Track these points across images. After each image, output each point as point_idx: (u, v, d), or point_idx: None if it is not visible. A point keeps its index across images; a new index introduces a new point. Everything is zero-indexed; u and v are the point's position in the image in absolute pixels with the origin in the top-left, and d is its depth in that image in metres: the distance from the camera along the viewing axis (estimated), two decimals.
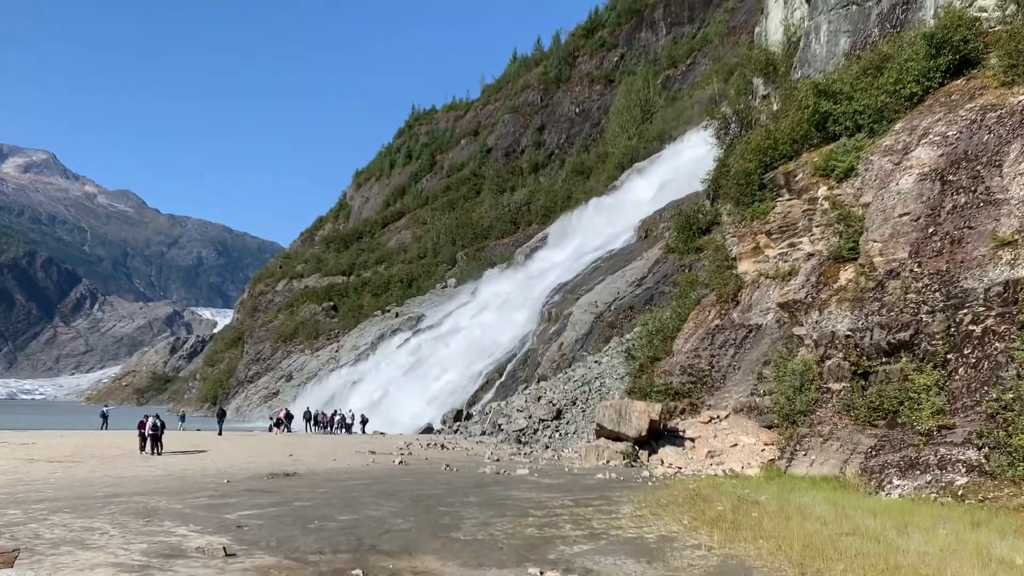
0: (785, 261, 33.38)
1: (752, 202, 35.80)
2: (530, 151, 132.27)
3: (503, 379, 58.56)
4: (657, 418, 29.02)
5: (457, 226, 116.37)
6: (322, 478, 20.82)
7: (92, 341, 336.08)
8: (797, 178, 33.57)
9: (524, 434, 39.01)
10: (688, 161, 71.71)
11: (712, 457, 28.26)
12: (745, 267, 35.90)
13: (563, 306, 58.37)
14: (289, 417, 48.83)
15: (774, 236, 34.27)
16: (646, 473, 23.57)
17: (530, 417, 40.54)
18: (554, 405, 40.54)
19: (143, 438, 29.10)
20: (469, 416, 51.62)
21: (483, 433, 42.78)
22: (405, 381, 68.86)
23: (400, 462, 25.95)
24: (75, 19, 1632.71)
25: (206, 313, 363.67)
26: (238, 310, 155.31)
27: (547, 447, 35.75)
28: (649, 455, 28.71)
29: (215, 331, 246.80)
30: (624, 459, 27.54)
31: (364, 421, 52.02)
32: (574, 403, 40.46)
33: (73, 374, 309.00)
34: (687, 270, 47.75)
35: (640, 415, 28.64)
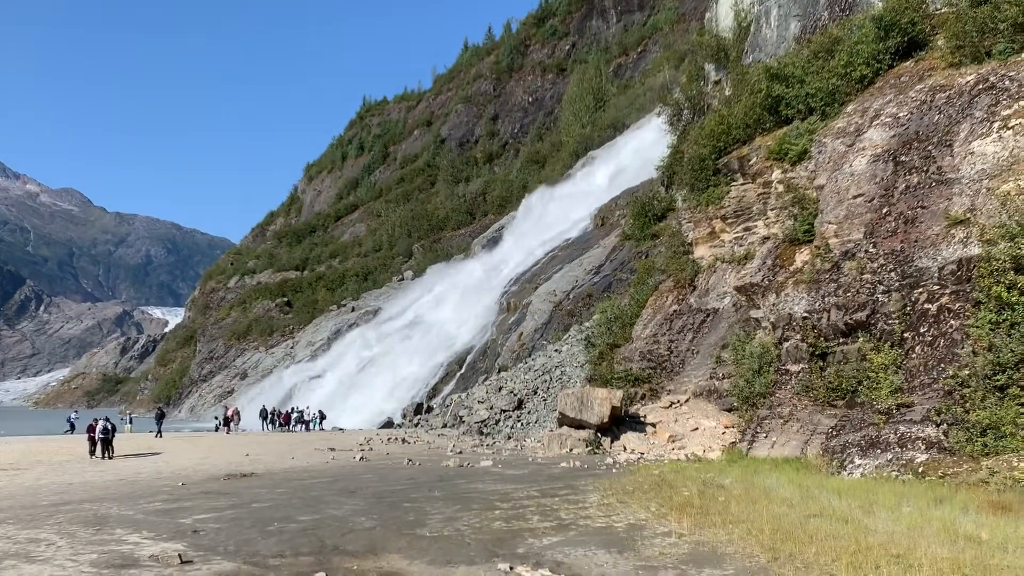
0: (741, 245, 33.57)
1: (707, 187, 35.90)
2: (484, 141, 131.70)
3: (463, 371, 58.25)
4: (619, 404, 28.96)
5: (412, 218, 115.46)
6: (281, 477, 20.26)
7: (39, 344, 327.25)
8: (751, 162, 33.72)
9: (486, 425, 38.78)
10: (642, 148, 71.95)
11: (674, 442, 28.30)
12: (701, 252, 36.03)
13: (522, 296, 58.20)
14: (236, 415, 47.75)
15: (729, 220, 34.41)
16: (610, 460, 23.46)
17: (491, 408, 40.31)
18: (515, 395, 40.35)
19: (93, 442, 28.15)
20: (430, 409, 51.21)
21: (444, 426, 42.46)
22: (364, 376, 68.14)
23: (361, 458, 25.46)
24: (12, 29, 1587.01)
25: (157, 312, 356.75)
26: (189, 308, 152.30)
27: (509, 437, 35.56)
28: (612, 442, 28.66)
29: (166, 330, 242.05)
30: (587, 447, 27.43)
31: (322, 417, 51.27)
32: (535, 392, 40.31)
33: (19, 378, 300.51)
34: (644, 257, 47.85)
35: (602, 402, 28.56)
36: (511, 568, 9.81)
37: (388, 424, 51.02)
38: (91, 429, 28.47)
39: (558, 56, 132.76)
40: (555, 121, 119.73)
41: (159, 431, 39.64)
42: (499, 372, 47.91)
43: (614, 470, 20.68)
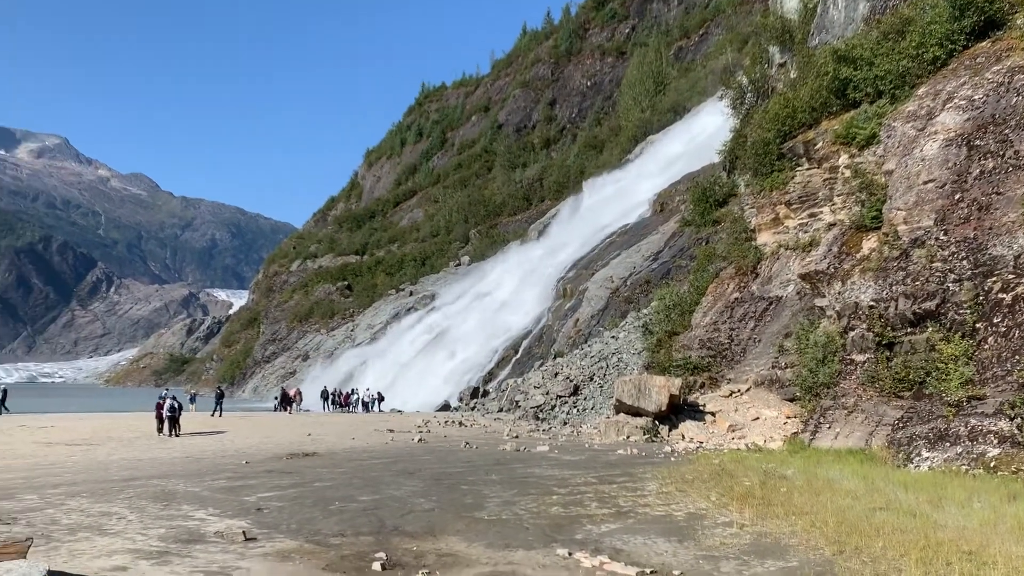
0: (805, 231, 32.84)
1: (771, 172, 35.18)
2: (541, 126, 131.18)
3: (519, 356, 58.39)
4: (677, 392, 28.70)
5: (469, 203, 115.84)
6: (341, 458, 20.62)
7: (109, 324, 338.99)
8: (817, 147, 32.88)
9: (542, 410, 38.84)
10: (703, 133, 70.85)
11: (734, 431, 27.94)
12: (764, 238, 35.35)
13: (578, 282, 57.99)
14: (298, 395, 48.75)
15: (794, 206, 33.66)
16: (667, 448, 23.27)
17: (547, 393, 40.34)
18: (571, 381, 40.29)
19: (160, 419, 29.03)
20: (486, 393, 51.51)
21: (500, 410, 42.66)
22: (421, 359, 68.84)
23: (419, 440, 25.77)
24: (83, 3, 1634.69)
25: (221, 294, 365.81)
26: (253, 291, 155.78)
27: (565, 423, 35.56)
28: (670, 430, 28.42)
29: (231, 312, 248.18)
30: (644, 434, 27.26)
31: (380, 399, 52.00)
32: (591, 379, 40.19)
33: (91, 357, 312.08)
34: (704, 243, 47.19)
35: (660, 390, 28.32)
36: (570, 554, 9.80)
37: (445, 407, 51.50)
38: (159, 407, 29.36)
39: (617, 39, 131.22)
40: (614, 105, 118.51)
41: (219, 410, 40.71)
42: (555, 358, 47.88)
43: (672, 458, 20.51)
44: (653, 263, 51.11)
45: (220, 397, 43.58)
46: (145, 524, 11.79)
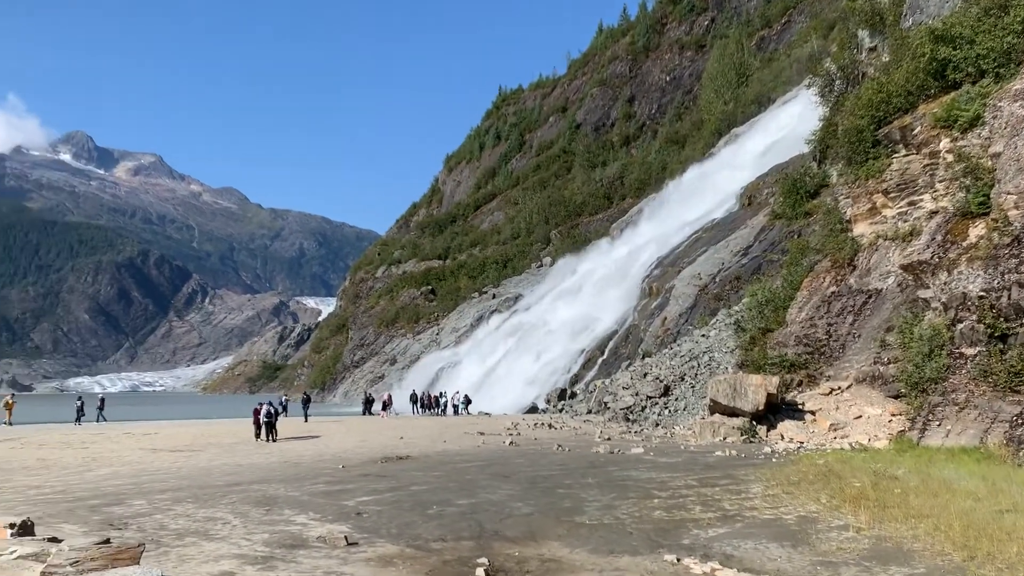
0: (905, 221, 31.45)
1: (865, 160, 33.85)
2: (620, 124, 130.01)
3: (605, 356, 57.82)
4: (775, 391, 27.83)
5: (549, 204, 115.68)
6: (435, 461, 20.70)
7: (205, 333, 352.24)
8: (915, 132, 31.44)
9: (632, 412, 38.30)
10: (789, 123, 68.89)
11: (835, 430, 26.90)
12: (861, 229, 34.02)
13: (664, 280, 57.05)
14: (390, 400, 49.63)
15: (892, 195, 32.28)
16: (767, 449, 22.53)
17: (637, 394, 39.76)
18: (661, 381, 39.60)
19: (258, 425, 29.78)
20: (573, 395, 51.19)
21: (589, 412, 42.29)
22: (506, 361, 68.96)
23: (510, 443, 25.70)
24: (176, 36, 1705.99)
25: (310, 302, 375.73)
26: (340, 298, 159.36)
27: (657, 424, 34.96)
28: (767, 430, 27.57)
29: (319, 319, 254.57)
30: (742, 435, 26.52)
31: (468, 402, 52.30)
32: (682, 379, 39.42)
33: (189, 366, 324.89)
34: (796, 236, 45.75)
35: (756, 389, 27.51)
36: (678, 560, 9.47)
37: (532, 409, 51.41)
38: (256, 413, 30.13)
39: (696, 33, 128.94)
40: (694, 100, 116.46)
41: (306, 415, 41.71)
42: (643, 358, 47.19)
43: (774, 459, 19.83)
44: (743, 258, 49.80)
45: (307, 402, 44.71)
46: (249, 529, 11.99)
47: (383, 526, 12.06)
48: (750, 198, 59.87)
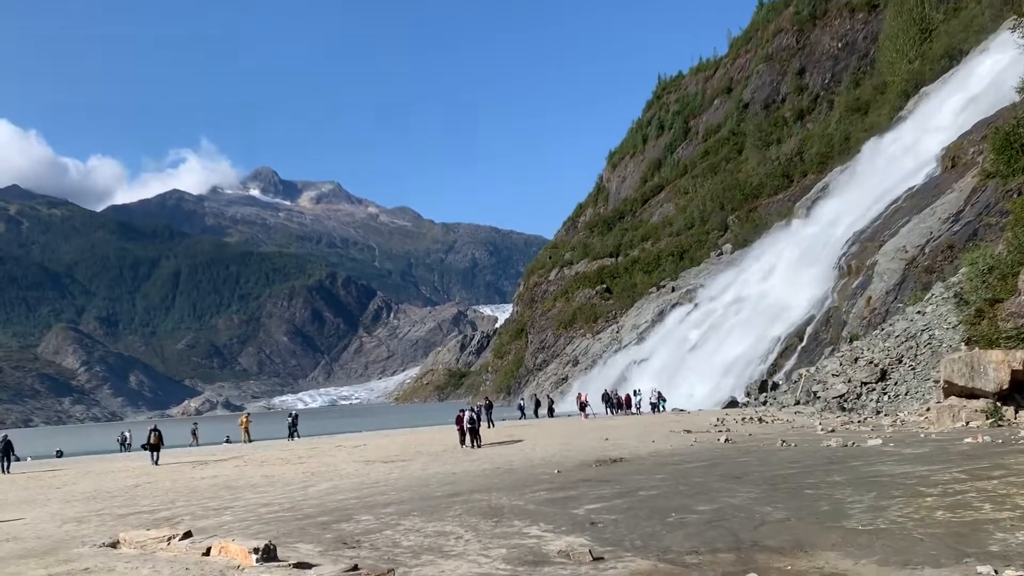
0: None
1: None
2: (791, 98, 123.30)
3: (804, 343, 54.49)
4: (1020, 368, 24.59)
5: (723, 190, 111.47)
6: (652, 462, 19.64)
7: (392, 347, 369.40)
8: None
9: (846, 400, 35.48)
10: (990, 74, 62.33)
11: None
12: None
13: (863, 256, 52.95)
14: (584, 400, 49.15)
15: None
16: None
17: (849, 381, 36.82)
18: (876, 365, 36.42)
19: (462, 432, 29.92)
20: (775, 385, 48.44)
21: (797, 403, 39.70)
22: (694, 355, 66.72)
23: (725, 440, 24.17)
24: (338, 67, 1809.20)
25: (486, 310, 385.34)
26: (516, 303, 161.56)
27: (879, 412, 32.09)
28: (1016, 411, 24.37)
29: (496, 326, 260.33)
30: (987, 418, 23.59)
31: (661, 399, 50.76)
32: (900, 361, 36.06)
33: (380, 378, 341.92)
34: (1017, 195, 40.93)
35: (999, 366, 24.40)
36: (996, 572, 7.91)
37: (732, 403, 49.11)
38: (459, 420, 30.29)
39: None
40: (871, 64, 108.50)
41: (490, 421, 41.50)
42: (850, 341, 43.81)
43: None
44: (954, 225, 45.20)
45: (489, 407, 44.64)
46: (484, 544, 11.43)
47: (624, 537, 11.15)
48: (953, 159, 54.45)
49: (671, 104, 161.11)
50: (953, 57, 77.07)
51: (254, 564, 9.69)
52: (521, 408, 57.09)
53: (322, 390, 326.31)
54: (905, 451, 18.08)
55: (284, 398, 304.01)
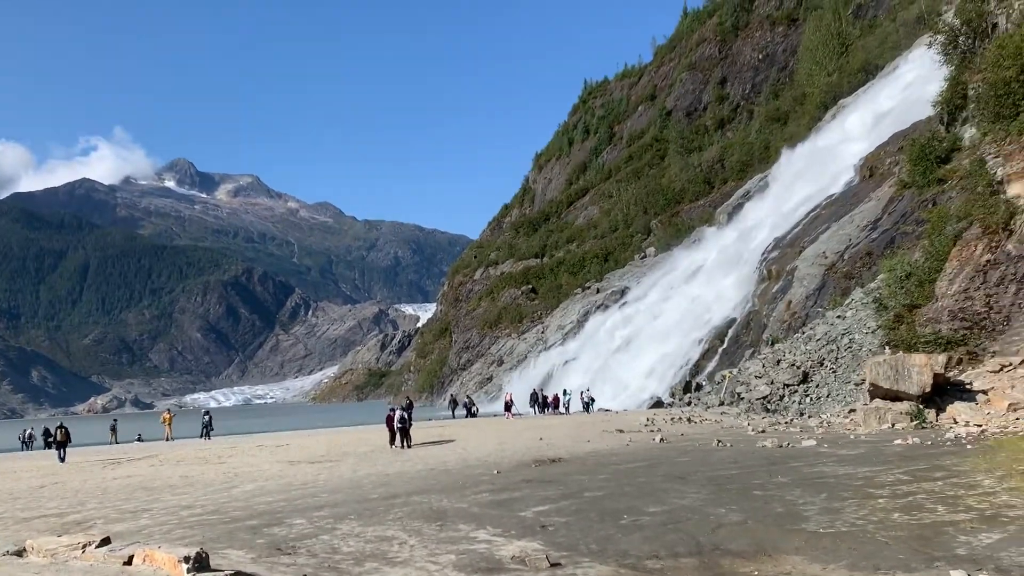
0: None
1: (1017, 114, 31.04)
2: (713, 107, 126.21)
3: (725, 345, 55.57)
4: (942, 371, 25.50)
5: (646, 194, 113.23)
6: (592, 462, 19.49)
7: (310, 345, 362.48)
8: None
9: (769, 401, 36.25)
10: (904, 88, 64.93)
11: (1016, 410, 24.33)
12: (1017, 190, 31.12)
13: (784, 261, 54.37)
14: (512, 401, 49.14)
15: None
16: (950, 435, 20.41)
17: (772, 383, 37.62)
18: (798, 368, 37.34)
19: (393, 432, 29.29)
20: (699, 387, 49.23)
21: (721, 403, 40.40)
22: (619, 356, 67.38)
23: (660, 440, 24.25)
24: (259, 59, 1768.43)
25: (408, 309, 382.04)
26: (440, 302, 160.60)
27: (802, 414, 32.87)
28: (937, 414, 25.24)
29: (418, 325, 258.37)
30: (911, 420, 24.34)
31: (590, 400, 50.93)
32: (821, 364, 37.06)
33: (296, 377, 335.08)
34: (931, 205, 42.64)
35: (922, 369, 25.22)
36: (969, 575, 7.92)
37: (658, 404, 49.67)
38: (390, 420, 29.61)
39: (787, 7, 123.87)
40: (790, 76, 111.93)
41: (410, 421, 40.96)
42: (771, 344, 44.85)
43: (968, 446, 17.81)
44: (872, 232, 46.79)
45: (410, 407, 43.98)
46: (431, 550, 10.95)
47: (579, 541, 10.88)
48: (871, 169, 56.46)
49: (597, 109, 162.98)
50: (869, 71, 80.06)
51: (185, 575, 8.83)
52: (453, 405, 56.45)
53: (236, 388, 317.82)
54: (841, 452, 18.42)
55: (196, 396, 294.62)
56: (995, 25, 46.43)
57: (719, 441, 22.20)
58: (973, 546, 8.98)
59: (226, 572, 9.01)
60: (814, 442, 20.46)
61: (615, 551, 10.17)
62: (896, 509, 11.19)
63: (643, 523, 11.64)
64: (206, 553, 9.14)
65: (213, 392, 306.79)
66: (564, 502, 13.97)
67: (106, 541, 10.11)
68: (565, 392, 51.63)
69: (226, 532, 13.22)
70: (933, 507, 11.10)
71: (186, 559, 8.62)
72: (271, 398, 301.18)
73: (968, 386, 26.91)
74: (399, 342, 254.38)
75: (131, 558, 9.22)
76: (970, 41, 48.10)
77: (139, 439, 51.77)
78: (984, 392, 26.21)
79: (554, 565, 9.65)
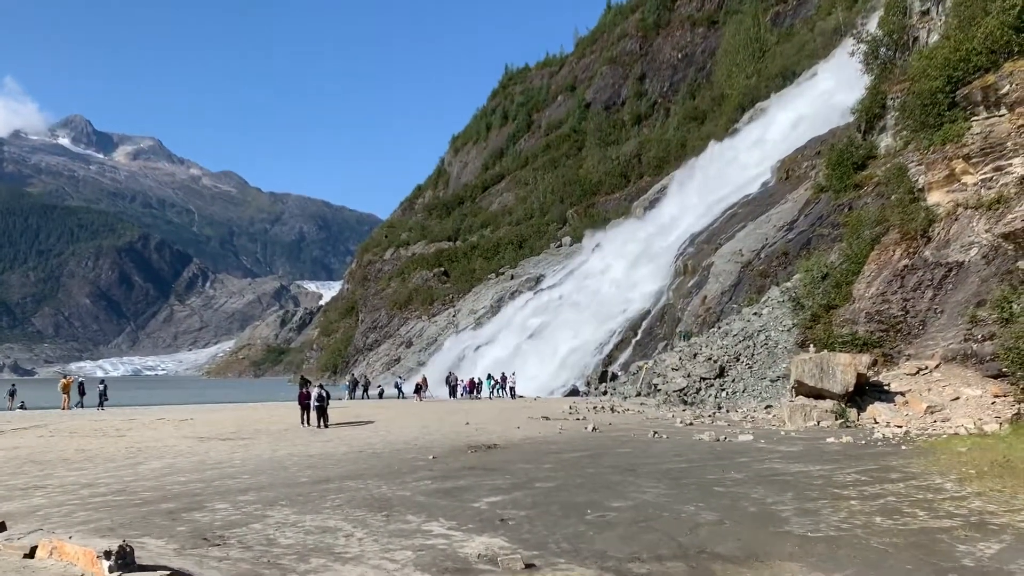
0: (990, 188, 29.47)
1: (940, 124, 31.78)
2: (631, 102, 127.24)
3: (639, 337, 55.84)
4: (865, 371, 25.92)
5: (563, 184, 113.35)
6: (530, 450, 18.63)
7: (206, 317, 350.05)
8: (1002, 92, 29.36)
9: (686, 394, 36.35)
10: (822, 95, 66.65)
11: (932, 413, 24.89)
12: (937, 198, 31.94)
13: (700, 257, 54.93)
14: (425, 383, 47.98)
15: (974, 160, 30.24)
16: (878, 435, 20.59)
17: (688, 376, 37.78)
18: (715, 362, 37.59)
19: (305, 409, 27.78)
20: (615, 376, 49.17)
21: (638, 394, 40.33)
22: (532, 343, 66.94)
23: (593, 428, 23.66)
24: (165, 15, 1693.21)
25: (311, 286, 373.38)
26: (347, 280, 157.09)
27: (719, 407, 32.99)
28: (858, 413, 25.60)
29: (321, 303, 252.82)
30: (836, 419, 24.56)
31: (504, 384, 50.03)
32: (737, 359, 37.41)
33: (191, 350, 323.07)
34: (847, 209, 43.70)
35: (846, 369, 25.51)
36: None
37: (573, 392, 49.36)
38: (303, 397, 28.07)
39: (708, 9, 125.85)
40: (707, 77, 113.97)
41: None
42: (686, 338, 45.17)
43: (903, 447, 17.86)
44: (788, 233, 47.69)
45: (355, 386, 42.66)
46: (383, 545, 9.77)
47: (547, 539, 9.92)
48: (788, 171, 57.67)
49: (516, 95, 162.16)
50: (787, 77, 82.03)
51: (106, 574, 7.37)
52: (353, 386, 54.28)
53: (125, 358, 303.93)
54: (780, 448, 18.18)
55: (82, 364, 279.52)
56: (916, 39, 47.95)
57: (655, 432, 21.72)
58: (977, 557, 8.50)
59: (161, 573, 7.60)
60: (750, 437, 20.22)
61: (591, 551, 9.30)
62: (874, 512, 10.74)
63: (611, 520, 10.82)
64: (131, 547, 7.72)
65: (100, 361, 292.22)
66: (517, 493, 13.05)
67: (1, 527, 8.49)
68: (489, 377, 50.41)
69: (139, 517, 11.70)
70: (912, 511, 10.70)
71: (107, 554, 7.13)
72: (162, 370, 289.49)
73: (886, 387, 27.43)
74: (300, 319, 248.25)
75: (33, 550, 7.65)
76: (891, 52, 49.59)
77: (22, 407, 47.94)
78: (902, 394, 26.74)
79: (529, 567, 8.69)
